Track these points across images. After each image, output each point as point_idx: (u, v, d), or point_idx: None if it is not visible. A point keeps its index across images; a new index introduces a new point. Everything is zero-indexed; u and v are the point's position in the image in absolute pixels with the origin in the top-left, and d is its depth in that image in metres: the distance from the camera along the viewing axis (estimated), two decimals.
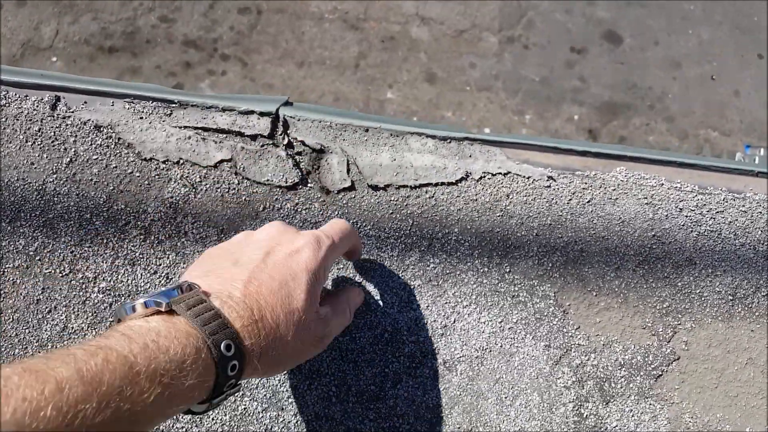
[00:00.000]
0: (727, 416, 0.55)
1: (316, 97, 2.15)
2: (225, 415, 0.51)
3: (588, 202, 0.53)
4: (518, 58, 2.14)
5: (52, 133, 0.50)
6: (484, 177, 0.53)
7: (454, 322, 0.53)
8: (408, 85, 2.19)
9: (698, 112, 2.07)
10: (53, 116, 0.50)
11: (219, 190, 0.52)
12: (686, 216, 0.54)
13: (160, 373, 0.27)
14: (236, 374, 0.32)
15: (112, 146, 0.51)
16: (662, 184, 0.54)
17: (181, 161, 0.51)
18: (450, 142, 0.54)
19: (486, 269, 0.53)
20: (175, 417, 0.50)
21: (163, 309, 0.32)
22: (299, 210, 0.52)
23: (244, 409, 0.51)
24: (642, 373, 0.54)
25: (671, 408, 0.54)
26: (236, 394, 0.50)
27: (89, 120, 0.51)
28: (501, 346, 0.53)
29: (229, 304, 0.33)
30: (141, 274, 0.51)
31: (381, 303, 0.52)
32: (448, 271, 0.53)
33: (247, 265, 0.37)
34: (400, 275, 0.52)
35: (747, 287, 0.54)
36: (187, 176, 0.51)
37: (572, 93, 2.10)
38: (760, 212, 0.54)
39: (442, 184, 0.53)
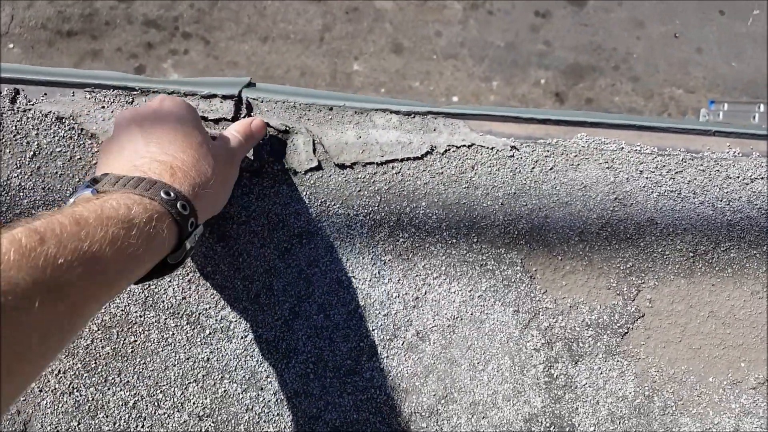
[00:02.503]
0: (691, 368, 0.57)
1: (281, 72, 2.11)
2: (206, 398, 0.52)
3: (551, 169, 0.54)
4: (483, 24, 2.12)
5: (14, 127, 0.49)
6: (449, 150, 0.54)
7: (425, 293, 0.54)
8: (374, 57, 2.17)
9: (662, 71, 2.09)
10: (13, 110, 0.49)
11: None
12: (646, 178, 0.55)
13: (105, 217, 0.32)
14: (177, 200, 0.37)
15: (76, 137, 0.50)
16: (622, 148, 0.55)
17: None
18: (414, 117, 0.54)
19: (454, 240, 0.54)
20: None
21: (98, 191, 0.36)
22: (267, 193, 0.52)
23: (224, 391, 0.52)
24: (609, 332, 0.56)
25: (638, 363, 0.57)
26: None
27: (50, 112, 0.50)
28: (471, 314, 0.54)
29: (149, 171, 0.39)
30: None
31: (353, 279, 0.53)
32: (417, 245, 0.54)
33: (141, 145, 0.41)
34: (371, 251, 0.53)
35: (707, 243, 0.56)
36: None
37: (538, 57, 2.11)
38: (718, 170, 0.56)
39: (408, 159, 0.54)
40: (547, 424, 0.56)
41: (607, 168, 0.55)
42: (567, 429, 0.56)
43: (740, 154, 0.56)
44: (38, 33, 1.99)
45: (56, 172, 0.50)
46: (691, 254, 0.57)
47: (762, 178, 0.56)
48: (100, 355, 0.51)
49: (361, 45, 2.12)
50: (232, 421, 0.52)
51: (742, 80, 2.14)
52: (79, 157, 0.50)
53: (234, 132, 0.47)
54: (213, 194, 0.41)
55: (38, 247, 0.27)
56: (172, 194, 0.36)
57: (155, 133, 0.41)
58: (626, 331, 0.56)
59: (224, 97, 0.51)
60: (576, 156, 0.55)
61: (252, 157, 0.51)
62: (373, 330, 0.54)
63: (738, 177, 0.56)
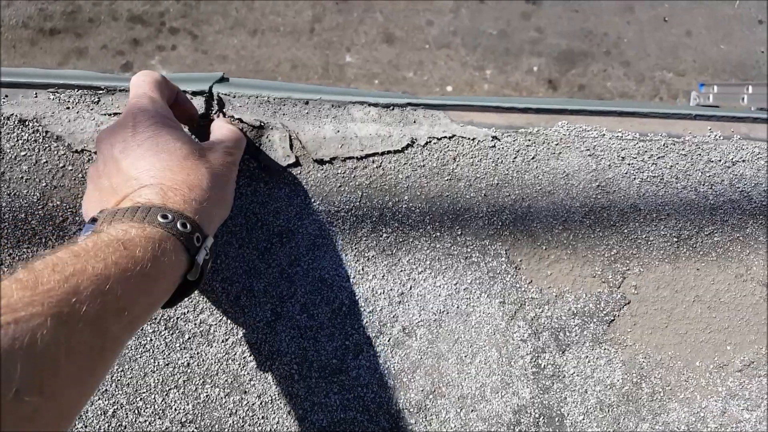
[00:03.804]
0: (678, 353, 0.57)
1: (272, 66, 2.09)
2: (188, 404, 0.51)
3: (532, 158, 0.54)
4: (475, 12, 2.11)
5: None
6: (430, 142, 0.53)
7: (411, 288, 0.53)
8: (366, 47, 2.15)
9: (653, 55, 2.08)
10: None
11: None
12: (628, 164, 0.55)
13: (104, 245, 0.32)
14: (176, 220, 0.37)
15: (40, 140, 0.49)
16: (603, 135, 0.54)
17: None
18: (393, 109, 0.53)
19: (438, 234, 0.53)
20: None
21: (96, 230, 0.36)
22: (243, 192, 0.51)
23: (207, 396, 0.51)
24: (595, 320, 0.56)
25: (625, 351, 0.56)
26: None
27: (12, 114, 0.48)
28: (457, 307, 0.54)
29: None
30: None
31: (336, 277, 0.52)
32: (401, 240, 0.53)
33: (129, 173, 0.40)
34: (354, 248, 0.52)
35: (690, 228, 0.56)
36: None
37: (530, 44, 2.09)
38: (699, 154, 0.55)
39: (389, 152, 0.53)
40: (536, 415, 0.56)
41: (589, 155, 0.54)
42: (556, 419, 0.56)
43: (721, 137, 0.55)
44: (20, 32, 1.96)
45: (22, 177, 0.49)
46: (675, 239, 0.56)
47: (743, 160, 0.55)
48: None
49: (353, 36, 2.11)
50: (216, 426, 0.52)
51: (730, 62, 2.13)
52: (45, 160, 0.49)
53: (221, 134, 0.47)
54: (213, 203, 0.41)
55: (40, 280, 0.29)
56: (169, 216, 0.36)
57: (138, 155, 0.40)
58: (612, 318, 0.56)
59: (194, 93, 0.50)
60: (557, 144, 0.54)
61: None
62: (359, 328, 0.53)
63: (720, 160, 0.55)
